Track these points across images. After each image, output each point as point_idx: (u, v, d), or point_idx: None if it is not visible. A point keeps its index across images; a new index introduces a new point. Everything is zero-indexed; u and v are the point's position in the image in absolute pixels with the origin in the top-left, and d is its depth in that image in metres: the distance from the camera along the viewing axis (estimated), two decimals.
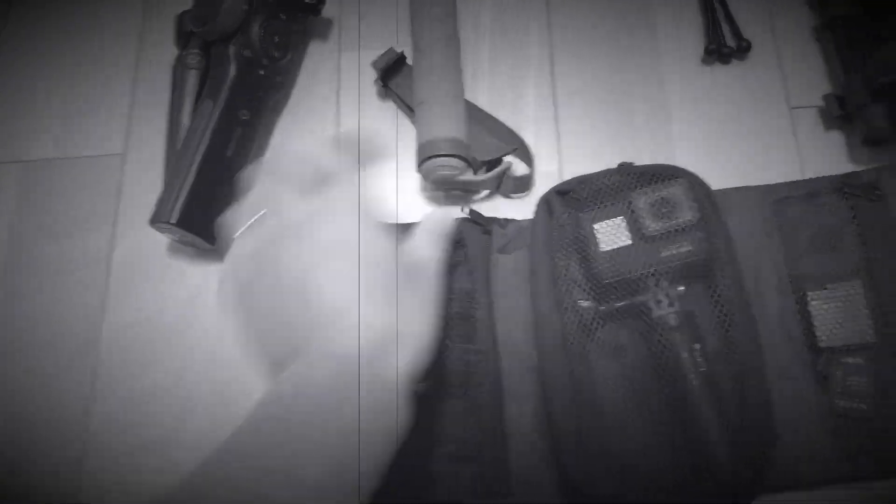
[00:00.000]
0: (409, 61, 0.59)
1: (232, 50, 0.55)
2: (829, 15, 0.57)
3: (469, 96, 0.59)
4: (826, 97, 0.56)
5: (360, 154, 0.39)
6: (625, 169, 0.50)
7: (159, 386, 0.54)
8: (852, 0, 0.56)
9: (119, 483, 0.51)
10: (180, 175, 0.53)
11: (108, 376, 0.54)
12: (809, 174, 0.55)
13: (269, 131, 0.60)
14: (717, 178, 0.55)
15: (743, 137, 0.57)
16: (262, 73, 0.57)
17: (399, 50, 0.60)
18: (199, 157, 0.53)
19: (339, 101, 0.61)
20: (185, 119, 0.56)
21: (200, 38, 0.57)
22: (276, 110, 0.61)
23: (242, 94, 0.55)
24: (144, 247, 0.58)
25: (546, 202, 0.51)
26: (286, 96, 0.61)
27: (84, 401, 0.54)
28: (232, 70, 0.55)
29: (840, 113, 0.55)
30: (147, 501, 0.49)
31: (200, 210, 0.53)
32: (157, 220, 0.52)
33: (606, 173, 0.49)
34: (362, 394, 0.30)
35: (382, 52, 0.59)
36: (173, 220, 0.52)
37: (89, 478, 0.52)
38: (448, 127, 0.54)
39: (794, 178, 0.55)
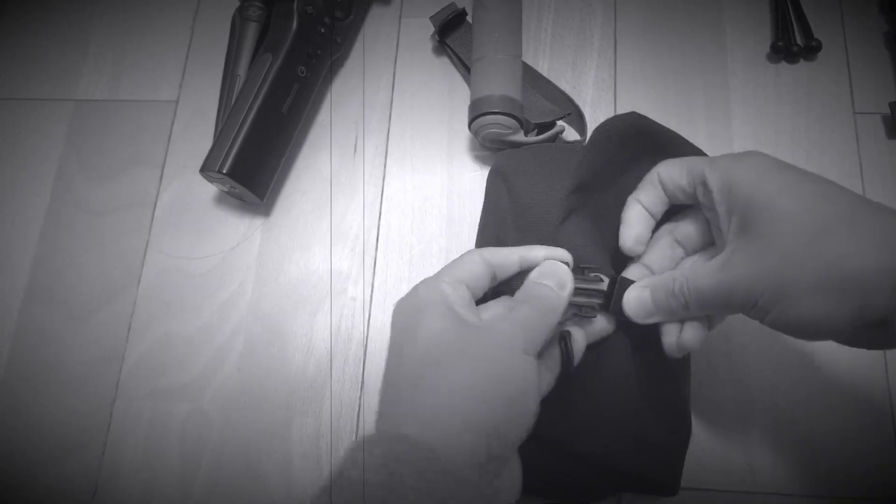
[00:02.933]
0: (469, 19, 0.59)
1: (295, 5, 0.55)
2: None
3: None
4: (892, 105, 0.55)
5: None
6: None
7: (193, 333, 0.54)
8: None
9: (147, 423, 0.52)
10: (234, 126, 0.52)
11: (144, 318, 0.54)
12: (869, 180, 0.54)
13: (324, 92, 0.60)
14: None
15: (804, 139, 0.56)
16: (322, 31, 0.56)
17: (460, 6, 0.59)
18: (254, 110, 0.53)
19: (396, 64, 0.61)
20: (242, 71, 0.56)
21: None
22: (334, 70, 0.60)
23: (302, 50, 0.55)
24: (191, 194, 0.57)
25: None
26: (345, 57, 0.61)
27: (119, 339, 0.54)
28: (294, 25, 0.55)
29: None
30: (175, 443, 0.50)
31: (252, 163, 0.53)
32: (208, 169, 0.52)
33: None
34: None
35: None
36: (225, 170, 0.51)
37: (119, 416, 0.52)
38: (503, 85, 0.53)
39: (854, 184, 0.54)
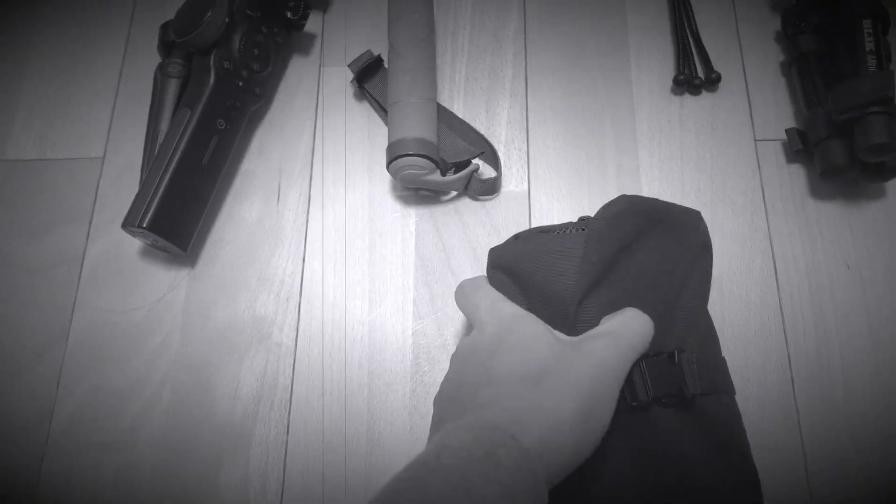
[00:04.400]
0: (387, 65, 0.61)
1: (212, 60, 0.56)
2: (796, 52, 0.59)
3: None
4: (788, 131, 0.57)
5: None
6: (584, 221, 0.47)
7: (122, 385, 0.54)
8: (817, 38, 0.58)
9: (78, 479, 0.52)
10: (154, 181, 0.54)
11: (73, 373, 0.55)
12: (770, 204, 0.56)
13: (246, 142, 0.61)
14: None
15: (708, 167, 0.58)
16: (240, 84, 0.58)
17: (376, 53, 0.61)
18: (173, 164, 0.54)
19: (317, 111, 0.62)
20: (164, 126, 0.57)
21: (182, 48, 0.59)
22: (255, 121, 0.62)
23: (220, 103, 0.57)
24: (118, 249, 0.58)
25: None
26: (265, 107, 0.63)
27: (49, 395, 0.54)
28: (211, 80, 0.56)
29: (801, 147, 0.56)
30: (105, 498, 0.51)
31: (173, 216, 0.54)
32: (128, 224, 0.53)
33: (567, 227, 0.46)
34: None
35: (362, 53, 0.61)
36: (144, 225, 0.53)
37: (48, 472, 0.52)
38: (418, 128, 0.55)
39: (757, 207, 0.56)
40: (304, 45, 0.65)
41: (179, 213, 0.55)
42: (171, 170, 0.54)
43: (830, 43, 0.58)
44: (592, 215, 0.46)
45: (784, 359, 0.52)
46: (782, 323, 0.53)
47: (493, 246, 0.49)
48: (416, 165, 0.55)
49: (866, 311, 0.53)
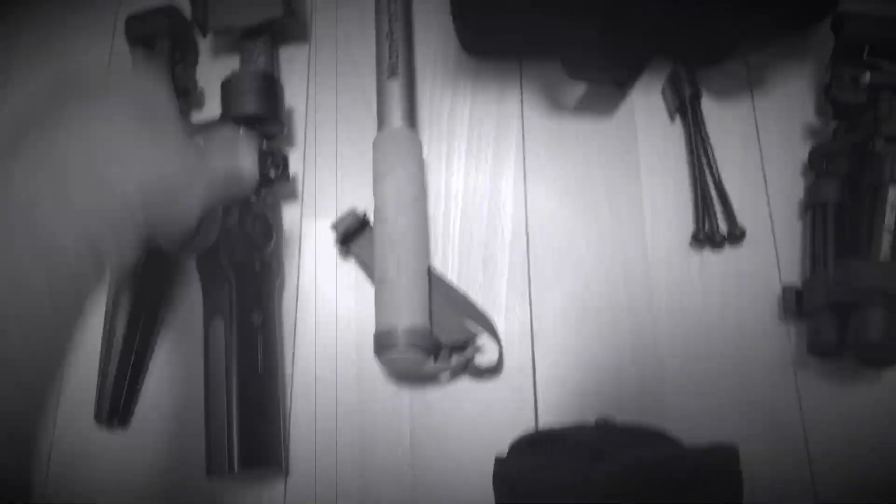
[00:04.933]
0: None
1: (222, 259, 0.50)
2: (816, 197, 0.52)
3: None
4: (786, 289, 0.50)
5: None
6: (602, 426, 0.44)
7: None
8: (843, 187, 0.50)
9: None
10: (219, 416, 0.48)
11: None
12: (808, 398, 0.50)
13: (281, 325, 0.55)
14: (704, 389, 0.51)
15: (734, 345, 0.52)
16: (257, 269, 0.52)
17: (361, 211, 0.55)
18: (234, 390, 0.48)
19: (300, 270, 0.57)
20: (120, 330, 0.53)
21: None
22: (280, 297, 0.56)
23: (248, 298, 0.51)
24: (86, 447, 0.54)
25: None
26: (283, 280, 0.57)
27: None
28: (231, 280, 0.50)
29: (794, 310, 0.50)
30: None
31: (255, 441, 0.49)
32: (217, 472, 0.47)
33: (581, 430, 0.44)
34: None
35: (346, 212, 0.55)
36: (237, 468, 0.47)
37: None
38: (408, 314, 0.50)
39: (788, 382, 0.50)
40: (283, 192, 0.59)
41: (258, 435, 0.49)
42: (233, 398, 0.48)
43: (855, 197, 0.50)
44: (607, 416, 0.44)
45: None
46: None
47: (497, 455, 0.45)
48: (407, 358, 0.50)
49: None
